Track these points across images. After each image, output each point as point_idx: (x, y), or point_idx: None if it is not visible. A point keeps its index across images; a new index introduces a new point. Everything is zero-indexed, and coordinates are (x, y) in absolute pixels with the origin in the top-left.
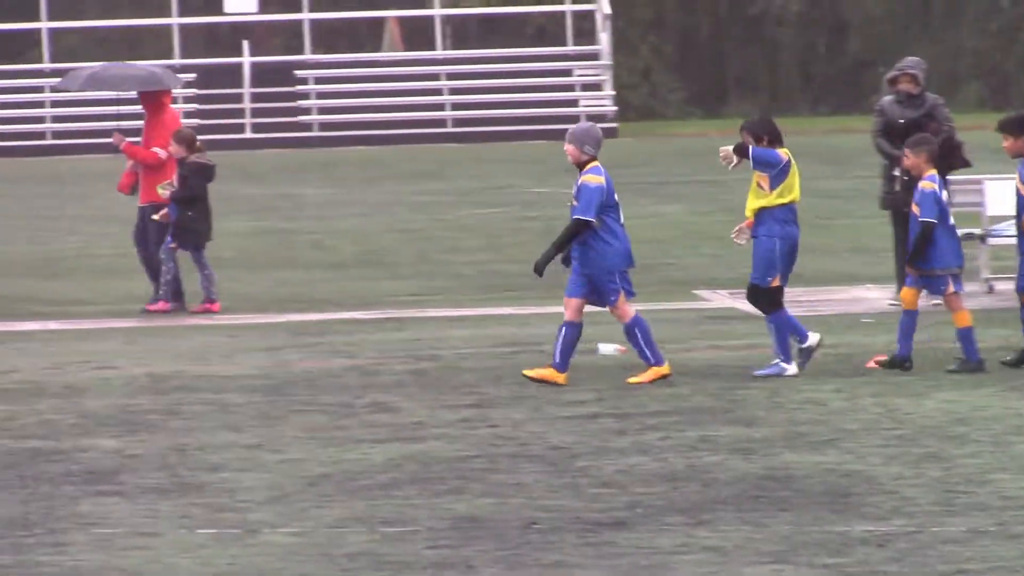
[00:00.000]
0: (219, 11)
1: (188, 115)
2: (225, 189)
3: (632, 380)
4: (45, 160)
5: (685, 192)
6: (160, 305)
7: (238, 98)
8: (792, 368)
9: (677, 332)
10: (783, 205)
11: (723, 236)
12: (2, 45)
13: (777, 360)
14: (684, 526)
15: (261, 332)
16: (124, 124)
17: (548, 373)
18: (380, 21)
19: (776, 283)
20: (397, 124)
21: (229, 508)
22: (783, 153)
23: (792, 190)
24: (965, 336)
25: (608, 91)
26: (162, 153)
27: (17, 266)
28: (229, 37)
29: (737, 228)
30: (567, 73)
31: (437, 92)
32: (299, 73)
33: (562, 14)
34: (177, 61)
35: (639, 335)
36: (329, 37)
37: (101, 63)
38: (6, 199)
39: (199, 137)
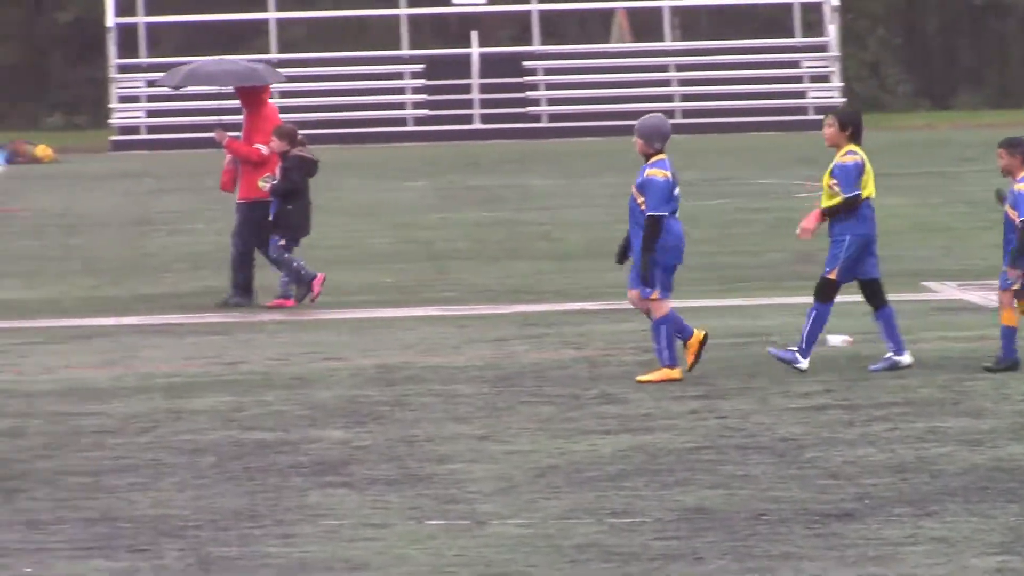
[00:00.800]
0: (447, 2)
1: (417, 105)
2: (454, 180)
3: (641, 379)
4: None
5: (913, 184)
6: (286, 302)
7: (467, 89)
8: (804, 363)
9: (906, 323)
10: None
11: (951, 228)
12: (229, 33)
13: (795, 350)
14: (912, 517)
15: (490, 323)
16: (225, 119)
17: (685, 367)
18: (609, 12)
19: (833, 276)
20: (625, 115)
21: (458, 499)
22: (856, 154)
23: (866, 186)
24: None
25: (836, 83)
26: (264, 149)
27: None
28: (457, 28)
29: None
30: (795, 65)
31: (665, 84)
32: (527, 64)
33: (790, 6)
34: (405, 52)
35: (663, 333)
36: (558, 28)
37: (203, 59)
38: None
39: (431, 128)
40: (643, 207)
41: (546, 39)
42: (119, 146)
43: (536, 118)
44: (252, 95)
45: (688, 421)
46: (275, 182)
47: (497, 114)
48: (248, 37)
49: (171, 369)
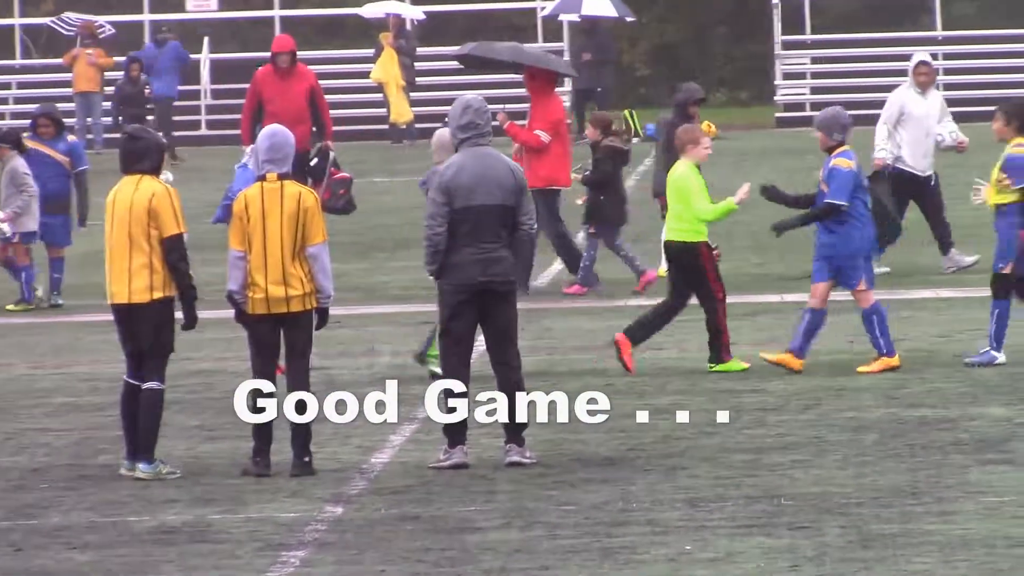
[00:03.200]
0: None
1: None
2: None
3: (862, 369)
4: None
5: None
6: (575, 288)
7: None
8: (1001, 357)
9: None
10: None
11: None
12: (897, 7)
13: (988, 348)
14: None
15: None
16: (510, 107)
17: (786, 358)
18: None
19: (1007, 270)
20: None
21: None
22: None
23: None
24: None
25: None
26: (544, 136)
27: None
28: None
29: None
30: None
31: None
32: None
33: None
34: None
35: (876, 323)
36: None
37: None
38: None
39: None
40: None
41: None
42: (783, 123)
43: None
44: (541, 82)
45: None
46: (587, 172)
47: None
48: (914, 13)
49: (833, 346)
